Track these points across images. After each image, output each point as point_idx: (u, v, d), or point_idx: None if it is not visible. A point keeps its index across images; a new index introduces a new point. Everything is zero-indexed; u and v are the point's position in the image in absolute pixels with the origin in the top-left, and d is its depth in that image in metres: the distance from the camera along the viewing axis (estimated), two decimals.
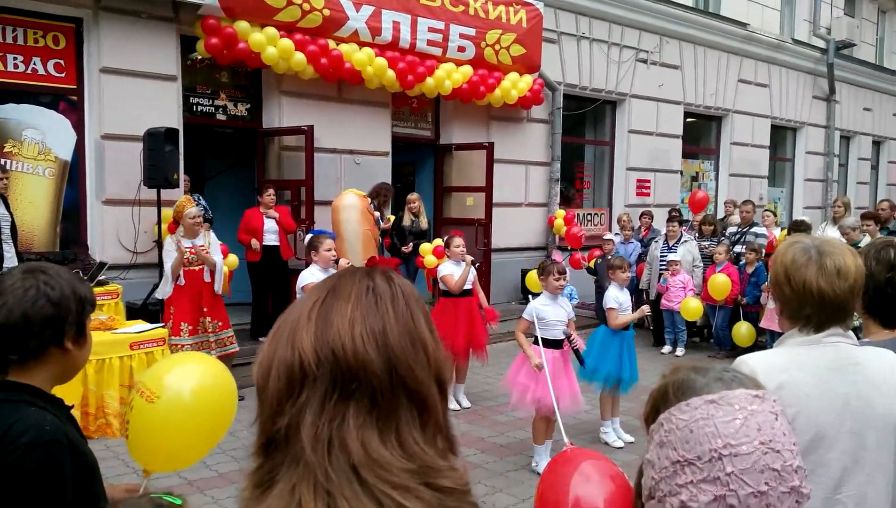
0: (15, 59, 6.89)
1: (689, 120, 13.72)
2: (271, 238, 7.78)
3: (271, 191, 7.86)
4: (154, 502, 1.43)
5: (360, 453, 0.86)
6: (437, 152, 10.59)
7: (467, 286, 6.48)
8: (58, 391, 1.84)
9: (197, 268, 6.23)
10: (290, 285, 8.04)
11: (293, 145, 8.63)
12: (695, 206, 10.75)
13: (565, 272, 5.17)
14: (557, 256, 5.62)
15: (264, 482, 0.90)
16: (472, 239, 9.81)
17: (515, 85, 10.24)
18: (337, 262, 5.67)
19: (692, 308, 8.40)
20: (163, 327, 5.97)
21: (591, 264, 9.51)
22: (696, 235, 9.53)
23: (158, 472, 2.37)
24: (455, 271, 6.44)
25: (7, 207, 6.33)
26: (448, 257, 6.65)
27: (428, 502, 0.86)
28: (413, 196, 9.25)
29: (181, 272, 6.15)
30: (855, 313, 2.66)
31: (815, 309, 1.71)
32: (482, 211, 10.06)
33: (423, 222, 9.23)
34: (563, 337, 5.00)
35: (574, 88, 11.55)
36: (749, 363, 1.67)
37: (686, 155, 13.75)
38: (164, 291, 6.18)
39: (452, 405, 6.43)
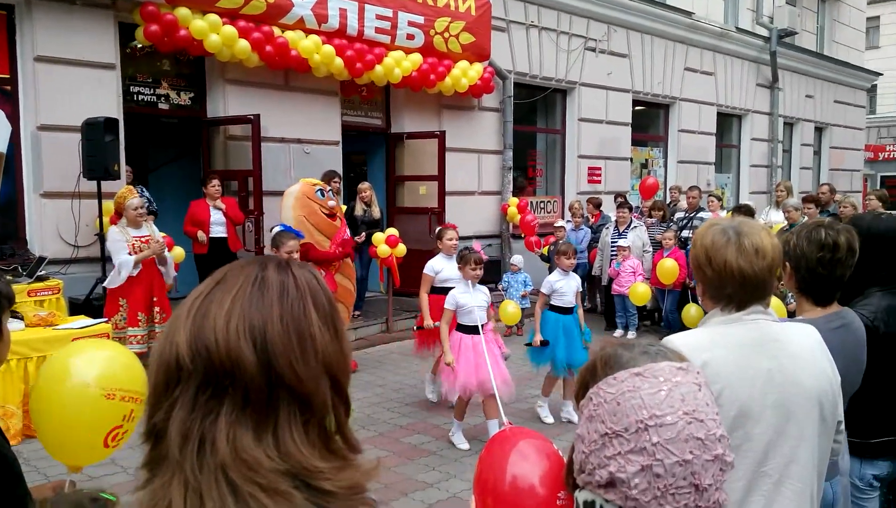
0: None
1: (637, 108, 13.92)
2: (218, 230, 7.63)
3: (215, 181, 7.69)
4: (90, 496, 1.40)
5: (228, 452, 0.83)
6: (389, 141, 10.52)
7: (454, 285, 5.53)
8: (0, 388, 1.76)
9: (149, 258, 6.28)
10: None
11: (239, 135, 8.45)
12: (645, 192, 10.92)
13: (482, 262, 5.34)
14: (477, 246, 5.69)
15: (146, 474, 0.88)
16: (425, 228, 9.81)
17: (466, 73, 10.23)
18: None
19: (640, 293, 8.54)
20: (106, 322, 5.81)
21: (545, 250, 9.60)
22: (647, 220, 9.68)
23: (79, 466, 2.30)
24: (446, 265, 6.01)
25: None
26: (440, 249, 6.19)
27: (300, 505, 0.83)
28: (364, 185, 9.17)
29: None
30: (790, 294, 2.74)
31: (736, 288, 1.75)
32: (435, 200, 10.03)
33: (375, 212, 9.16)
34: (480, 323, 5.15)
35: (524, 77, 11.59)
36: (674, 342, 1.70)
37: (635, 142, 13.96)
38: (116, 280, 6.03)
39: (431, 396, 6.29)
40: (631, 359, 1.17)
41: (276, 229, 6.08)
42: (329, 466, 0.87)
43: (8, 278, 6.11)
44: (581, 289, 6.10)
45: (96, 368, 2.18)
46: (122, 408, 2.17)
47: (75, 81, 7.13)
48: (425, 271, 6.05)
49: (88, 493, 1.44)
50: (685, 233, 9.39)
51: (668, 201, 11.07)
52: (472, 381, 5.06)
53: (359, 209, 9.01)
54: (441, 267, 6.04)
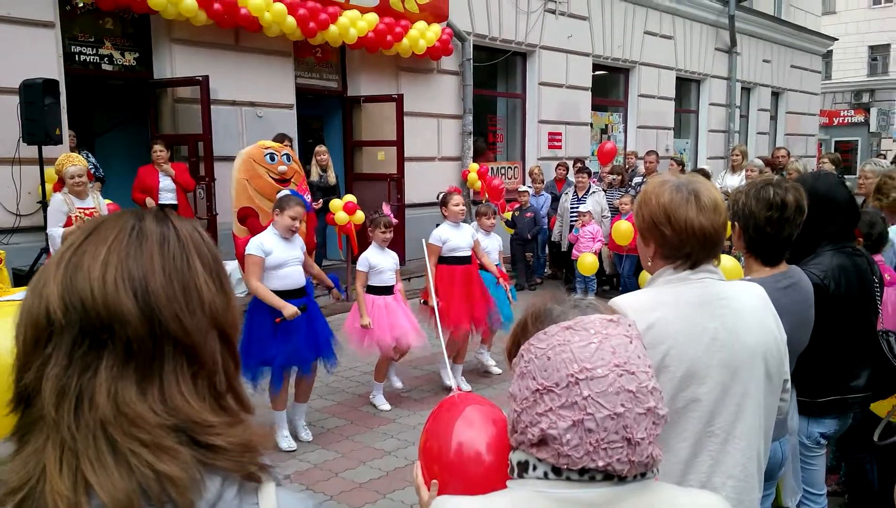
0: None
1: (597, 72, 13.86)
2: (168, 197, 7.40)
3: (157, 147, 7.43)
4: None
5: (109, 408, 0.77)
6: (346, 105, 10.29)
7: (465, 253, 5.64)
8: None
9: None
10: None
11: (188, 98, 8.16)
12: (603, 157, 10.93)
13: (392, 226, 5.43)
14: (386, 208, 5.68)
15: (17, 441, 0.81)
16: (384, 195, 9.66)
17: (423, 34, 10.02)
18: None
19: (588, 264, 8.61)
20: None
21: (508, 216, 9.56)
22: (604, 186, 9.70)
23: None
24: (454, 234, 5.59)
25: None
26: (445, 217, 5.71)
27: (185, 462, 0.78)
28: (320, 148, 8.97)
29: None
30: (739, 253, 2.72)
31: (696, 246, 1.71)
32: (394, 166, 9.89)
33: (332, 177, 8.99)
34: (392, 283, 5.37)
35: (484, 39, 11.41)
36: (620, 303, 1.66)
37: (595, 107, 13.94)
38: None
39: (449, 382, 5.82)
40: (562, 313, 1.14)
41: (283, 192, 5.75)
42: (220, 421, 0.83)
43: None
44: (501, 249, 6.42)
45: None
46: None
47: (11, 39, 6.76)
48: (431, 240, 5.56)
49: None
50: None
51: (625, 167, 11.11)
52: (386, 338, 5.24)
53: (314, 174, 8.82)
54: (448, 236, 5.59)
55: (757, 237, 2.36)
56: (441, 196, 5.90)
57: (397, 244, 9.68)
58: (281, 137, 8.26)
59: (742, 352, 1.68)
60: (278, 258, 4.58)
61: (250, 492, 0.83)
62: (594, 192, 9.25)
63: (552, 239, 9.75)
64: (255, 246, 4.56)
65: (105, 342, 0.79)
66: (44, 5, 7.00)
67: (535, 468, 1.09)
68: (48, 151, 6.59)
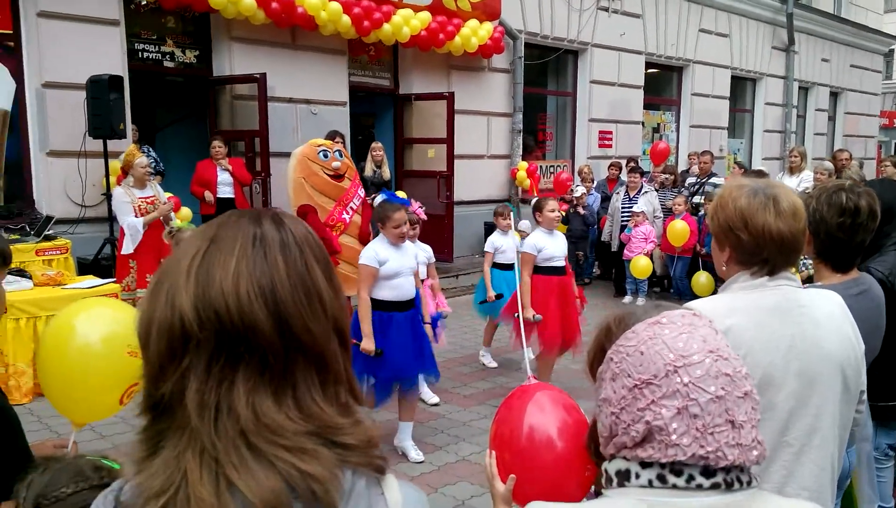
0: None
1: (650, 71, 13.67)
2: (226, 190, 7.57)
3: (216, 143, 7.60)
4: (93, 464, 1.37)
5: (249, 418, 0.80)
6: (397, 103, 10.38)
7: (560, 263, 5.29)
8: (8, 348, 1.73)
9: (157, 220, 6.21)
10: None
11: (246, 94, 8.34)
12: (656, 157, 10.77)
13: (418, 222, 5.33)
14: (414, 205, 5.69)
15: (151, 445, 0.84)
16: (434, 191, 9.73)
17: (475, 33, 10.03)
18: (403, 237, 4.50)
19: (641, 267, 8.48)
20: (114, 282, 5.80)
21: (563, 213, 9.50)
22: (657, 186, 9.57)
23: (85, 423, 2.30)
24: (549, 242, 5.23)
25: None
26: (539, 223, 5.34)
27: (327, 461, 0.81)
28: (376, 145, 9.06)
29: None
30: (808, 260, 2.68)
31: (774, 252, 1.69)
32: (444, 163, 9.93)
33: (386, 173, 9.06)
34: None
35: (535, 37, 11.36)
36: (696, 308, 1.65)
37: (647, 106, 13.74)
38: (130, 246, 5.99)
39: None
40: (644, 313, 1.15)
41: (379, 198, 5.50)
42: (347, 422, 0.86)
43: (14, 236, 6.11)
44: (519, 248, 6.38)
45: (119, 326, 2.17)
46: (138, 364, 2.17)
47: (79, 37, 7.01)
48: (525, 249, 5.27)
49: (91, 460, 1.41)
50: (696, 199, 9.29)
51: (686, 167, 10.92)
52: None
53: (368, 170, 8.91)
54: (543, 243, 5.22)
55: (828, 243, 2.31)
56: (535, 202, 5.58)
57: (445, 241, 9.79)
58: (333, 134, 8.37)
59: (820, 361, 1.66)
60: (392, 268, 4.36)
61: (375, 483, 0.87)
62: (646, 192, 9.13)
63: (601, 239, 9.66)
64: (369, 256, 4.35)
65: (241, 354, 0.82)
66: (109, 3, 7.23)
67: (637, 476, 1.06)
68: (112, 144, 6.82)
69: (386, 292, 4.36)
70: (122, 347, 2.18)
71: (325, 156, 7.43)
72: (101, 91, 6.54)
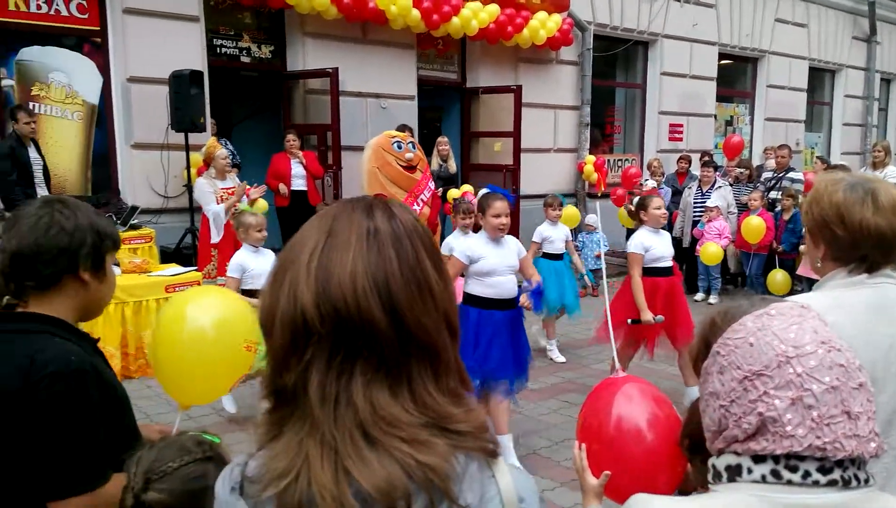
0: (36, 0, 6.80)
1: (723, 62, 13.29)
2: (299, 183, 7.74)
3: (290, 136, 7.76)
4: (195, 439, 1.44)
5: (367, 411, 0.84)
6: (464, 96, 10.38)
7: (667, 263, 4.98)
8: (98, 332, 1.82)
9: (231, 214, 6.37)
10: None
11: (318, 89, 8.48)
12: (730, 151, 10.45)
13: (472, 212, 5.21)
14: (469, 194, 5.64)
15: (274, 427, 0.89)
16: (500, 185, 9.69)
17: (544, 25, 9.94)
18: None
19: (711, 254, 8.22)
20: (196, 270, 5.99)
21: (632, 207, 9.33)
22: (731, 181, 9.30)
23: (192, 404, 2.38)
24: (656, 241, 4.90)
25: (38, 150, 6.33)
26: (644, 221, 5.01)
27: (443, 452, 0.84)
28: (442, 139, 9.12)
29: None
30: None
31: (872, 249, 1.63)
32: (510, 157, 9.89)
33: (452, 167, 9.11)
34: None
35: (605, 29, 11.19)
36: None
37: (720, 98, 13.37)
38: (216, 235, 6.18)
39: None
40: (751, 306, 1.13)
41: (483, 190, 5.07)
42: (460, 411, 0.89)
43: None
44: (571, 239, 6.63)
45: (241, 321, 2.26)
46: (251, 358, 2.26)
47: (162, 33, 7.26)
48: (632, 249, 4.93)
49: (193, 436, 1.47)
50: (773, 194, 8.99)
51: (760, 162, 10.58)
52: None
53: (435, 164, 8.96)
54: (651, 243, 4.89)
55: None
56: (638, 200, 5.31)
57: (511, 235, 9.72)
58: (402, 128, 8.45)
59: None
60: (487, 265, 4.05)
61: (486, 466, 0.89)
62: (720, 186, 8.87)
63: (673, 234, 9.45)
64: (460, 251, 4.10)
65: (359, 348, 0.85)
66: (191, 0, 7.46)
67: (749, 471, 1.04)
68: (192, 138, 7.05)
69: (483, 289, 4.08)
70: (237, 337, 2.26)
71: (399, 147, 7.55)
72: (182, 86, 6.76)
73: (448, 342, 0.91)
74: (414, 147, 7.68)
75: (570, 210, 8.45)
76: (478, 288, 4.09)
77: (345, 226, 0.90)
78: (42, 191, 6.22)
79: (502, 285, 4.10)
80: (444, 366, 0.90)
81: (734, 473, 1.06)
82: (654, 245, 4.89)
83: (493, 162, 10.18)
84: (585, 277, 6.53)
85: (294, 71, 8.47)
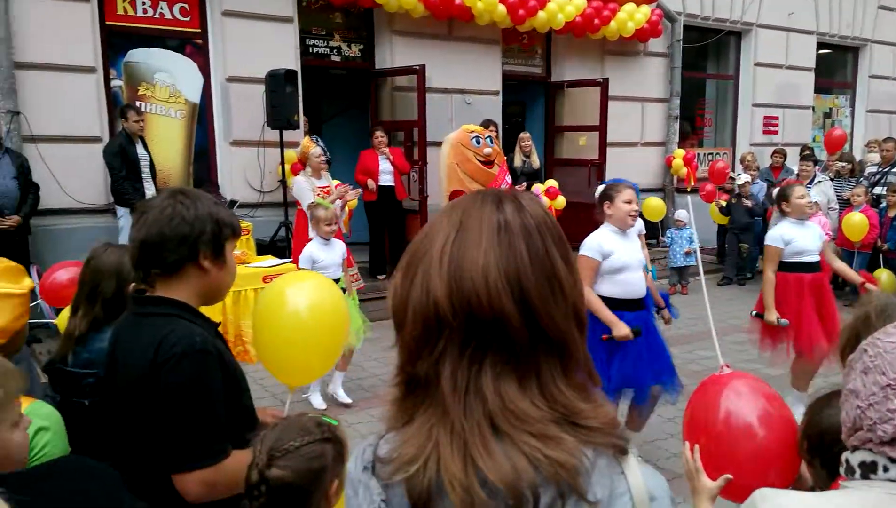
0: (143, 4, 7.16)
1: (822, 51, 12.65)
2: (386, 179, 7.87)
3: (378, 133, 7.90)
4: (316, 420, 1.52)
5: (496, 403, 0.85)
6: (549, 90, 10.30)
7: (814, 257, 4.56)
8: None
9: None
10: (405, 225, 8.16)
11: (405, 86, 8.61)
12: (831, 145, 9.95)
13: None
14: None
15: (405, 414, 0.92)
16: (585, 180, 9.59)
17: (632, 16, 9.74)
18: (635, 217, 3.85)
19: (855, 223, 7.64)
20: (290, 262, 6.20)
21: (723, 203, 9.06)
22: (832, 175, 8.88)
23: (298, 385, 2.50)
24: (799, 233, 4.50)
25: (145, 147, 6.70)
26: (786, 213, 4.61)
27: (571, 447, 0.84)
28: (524, 135, 9.09)
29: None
30: None
31: None
32: (596, 151, 9.75)
33: (535, 162, 9.07)
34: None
35: (695, 19, 10.86)
36: None
37: (818, 89, 12.75)
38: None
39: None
40: None
41: (610, 183, 4.57)
42: (590, 406, 0.89)
43: None
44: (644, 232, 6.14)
45: (338, 303, 2.36)
46: (345, 338, 2.36)
47: (258, 34, 7.53)
48: (769, 242, 4.60)
49: (314, 418, 1.55)
50: (877, 190, 8.53)
51: (861, 157, 10.05)
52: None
53: (518, 160, 8.95)
54: (792, 235, 4.51)
55: None
56: (778, 191, 4.96)
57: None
58: (487, 123, 8.48)
59: None
60: (619, 261, 3.72)
61: (616, 463, 0.88)
62: (820, 181, 8.47)
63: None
64: (593, 248, 3.72)
65: (490, 341, 0.86)
66: (285, 1, 7.71)
67: (885, 469, 1.03)
68: (287, 135, 7.30)
69: (611, 288, 3.72)
70: (333, 317, 2.36)
71: (478, 142, 7.59)
72: (278, 85, 7.00)
73: (577, 335, 0.91)
74: (492, 142, 7.72)
75: (654, 202, 8.31)
76: (606, 287, 3.73)
77: (475, 219, 0.90)
78: (149, 186, 6.57)
79: (632, 283, 3.75)
80: (573, 360, 0.90)
81: (868, 470, 1.05)
82: (796, 238, 4.50)
83: (577, 157, 10.06)
84: (650, 272, 6.29)
85: (382, 69, 8.63)
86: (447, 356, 0.87)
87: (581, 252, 3.75)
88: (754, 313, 4.72)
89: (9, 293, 1.78)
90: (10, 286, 1.80)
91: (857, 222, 7.66)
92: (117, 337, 1.74)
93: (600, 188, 4.07)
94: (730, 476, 1.69)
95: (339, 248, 5.03)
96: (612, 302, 3.72)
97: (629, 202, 3.74)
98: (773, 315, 4.47)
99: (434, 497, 0.85)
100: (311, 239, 5.20)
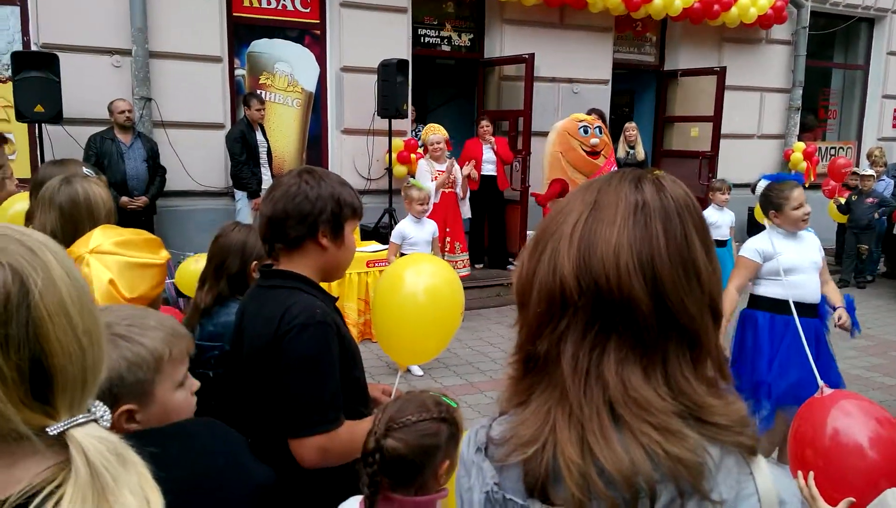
0: None
1: None
2: (489, 168, 7.90)
3: (484, 122, 7.92)
4: (435, 399, 1.54)
5: (618, 389, 0.82)
6: (660, 79, 9.99)
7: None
8: None
9: (447, 190, 6.67)
10: (504, 215, 8.18)
11: (512, 75, 8.59)
12: None
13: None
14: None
15: (521, 394, 0.89)
16: (695, 173, 9.25)
17: (755, 2, 9.26)
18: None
19: None
20: None
21: (843, 200, 8.54)
22: None
23: (410, 364, 2.60)
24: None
25: (264, 134, 7.04)
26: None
27: (694, 446, 0.80)
28: (630, 125, 8.87)
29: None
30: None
31: None
32: (708, 143, 9.38)
33: (640, 153, 8.83)
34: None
35: (824, 4, 10.21)
36: None
37: None
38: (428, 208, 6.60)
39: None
40: None
41: (762, 184, 4.51)
42: (720, 402, 0.84)
43: None
44: (732, 225, 6.58)
45: (451, 285, 2.43)
46: (459, 321, 2.42)
47: (373, 24, 7.71)
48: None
49: (434, 396, 1.57)
50: None
51: None
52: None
53: (621, 151, 8.74)
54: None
55: None
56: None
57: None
58: (591, 112, 8.35)
59: None
60: (791, 260, 3.43)
61: (744, 463, 0.84)
62: None
63: (893, 232, 8.50)
64: (751, 249, 3.53)
65: (616, 324, 0.83)
66: None
67: None
68: (395, 124, 7.46)
69: (780, 290, 3.42)
70: (446, 299, 2.42)
71: (586, 131, 7.49)
72: (389, 74, 7.16)
73: (711, 327, 0.87)
74: (601, 131, 7.59)
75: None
76: (773, 288, 3.47)
77: (611, 198, 0.87)
78: (265, 171, 6.90)
79: (807, 287, 3.45)
80: (704, 352, 0.86)
81: None
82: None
83: (687, 148, 9.72)
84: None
85: (490, 58, 8.64)
86: (569, 336, 0.84)
87: (741, 253, 3.59)
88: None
89: (149, 263, 1.92)
90: (150, 257, 1.93)
91: None
92: (245, 308, 1.85)
93: (761, 186, 3.60)
94: (853, 499, 1.64)
95: (429, 227, 5.41)
96: (780, 305, 3.39)
97: (800, 207, 3.41)
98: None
99: (551, 480, 0.83)
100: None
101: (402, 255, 4.88)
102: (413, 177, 6.80)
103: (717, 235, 6.35)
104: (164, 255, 2.00)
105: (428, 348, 2.50)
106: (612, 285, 0.82)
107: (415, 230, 5.33)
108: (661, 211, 0.85)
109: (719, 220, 6.55)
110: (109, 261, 1.85)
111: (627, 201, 0.86)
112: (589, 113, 8.22)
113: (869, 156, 9.35)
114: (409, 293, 2.41)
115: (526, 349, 0.90)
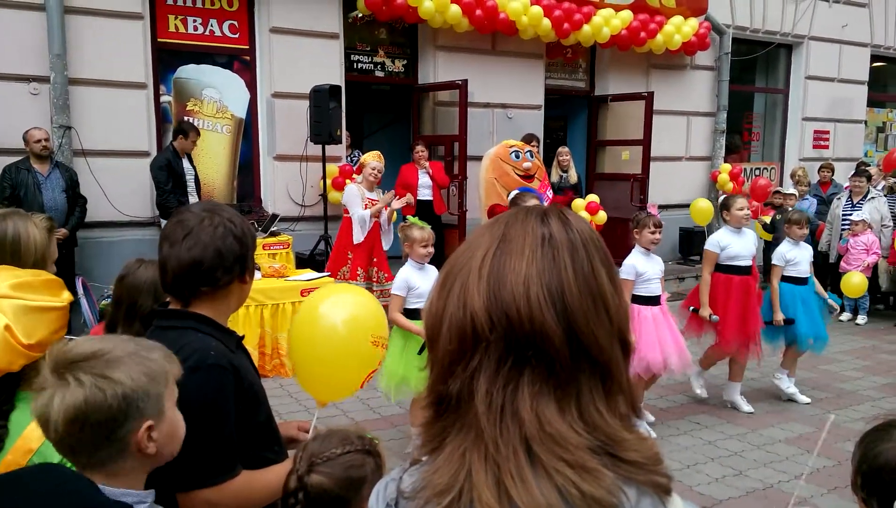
0: (194, 21, 7.33)
1: (876, 64, 12.29)
2: (425, 193, 7.89)
3: (419, 147, 7.92)
4: (358, 432, 1.51)
5: (533, 425, 0.79)
6: (592, 104, 10.22)
7: (745, 262, 5.14)
8: (240, 332, 1.91)
9: (374, 220, 6.51)
10: (443, 240, 8.16)
11: (447, 101, 8.64)
12: (888, 165, 9.60)
13: (661, 226, 4.88)
14: (653, 208, 5.31)
15: (434, 440, 0.86)
16: (627, 195, 9.46)
17: (679, 29, 9.60)
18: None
19: (853, 285, 7.62)
20: (329, 275, 6.26)
21: (767, 219, 8.85)
22: (886, 193, 8.58)
23: (328, 401, 2.48)
24: (734, 241, 5.10)
25: (191, 161, 6.85)
26: (726, 221, 5.20)
27: (609, 485, 0.78)
28: (563, 149, 9.01)
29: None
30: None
31: None
32: (639, 165, 9.62)
33: (573, 177, 8.98)
34: (658, 293, 4.82)
35: (744, 31, 10.66)
36: None
37: (872, 103, 12.37)
38: (360, 235, 6.38)
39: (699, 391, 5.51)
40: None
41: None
42: (633, 436, 0.83)
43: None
44: (812, 260, 5.73)
45: (363, 312, 2.33)
46: (380, 355, 2.32)
47: (304, 50, 7.64)
48: (708, 247, 5.22)
49: (356, 430, 1.53)
50: None
51: None
52: (657, 356, 4.66)
53: (555, 175, 8.86)
54: (728, 241, 5.12)
55: None
56: (722, 199, 5.52)
57: None
58: (529, 138, 8.45)
59: None
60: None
61: (660, 503, 0.82)
62: (873, 197, 8.21)
63: (819, 248, 8.83)
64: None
65: (528, 358, 0.81)
66: (331, 18, 7.81)
67: None
68: (329, 150, 7.37)
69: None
70: (364, 332, 2.34)
71: (517, 156, 7.59)
72: (322, 100, 7.09)
73: (621, 359, 0.86)
74: (532, 156, 7.69)
75: (702, 203, 8.11)
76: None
77: (518, 232, 0.87)
78: (193, 199, 6.69)
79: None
80: (616, 385, 0.85)
81: None
82: (731, 244, 5.09)
83: (619, 171, 9.95)
84: (831, 300, 5.75)
85: (424, 84, 8.67)
86: (482, 373, 0.82)
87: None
88: (690, 308, 5.29)
89: (49, 306, 1.78)
90: (50, 299, 1.80)
91: None
92: None
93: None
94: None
95: (433, 274, 4.37)
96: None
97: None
98: (706, 311, 5.09)
99: None
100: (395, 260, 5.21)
101: (410, 311, 4.23)
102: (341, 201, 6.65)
103: (793, 272, 5.45)
104: (65, 297, 1.87)
105: (348, 382, 2.40)
106: (524, 317, 0.81)
107: (420, 279, 4.26)
108: (568, 244, 0.86)
109: (797, 256, 5.46)
110: (5, 305, 1.71)
111: (535, 234, 0.86)
112: (526, 138, 8.33)
113: (793, 176, 9.73)
114: (323, 327, 2.32)
115: (437, 389, 0.86)
